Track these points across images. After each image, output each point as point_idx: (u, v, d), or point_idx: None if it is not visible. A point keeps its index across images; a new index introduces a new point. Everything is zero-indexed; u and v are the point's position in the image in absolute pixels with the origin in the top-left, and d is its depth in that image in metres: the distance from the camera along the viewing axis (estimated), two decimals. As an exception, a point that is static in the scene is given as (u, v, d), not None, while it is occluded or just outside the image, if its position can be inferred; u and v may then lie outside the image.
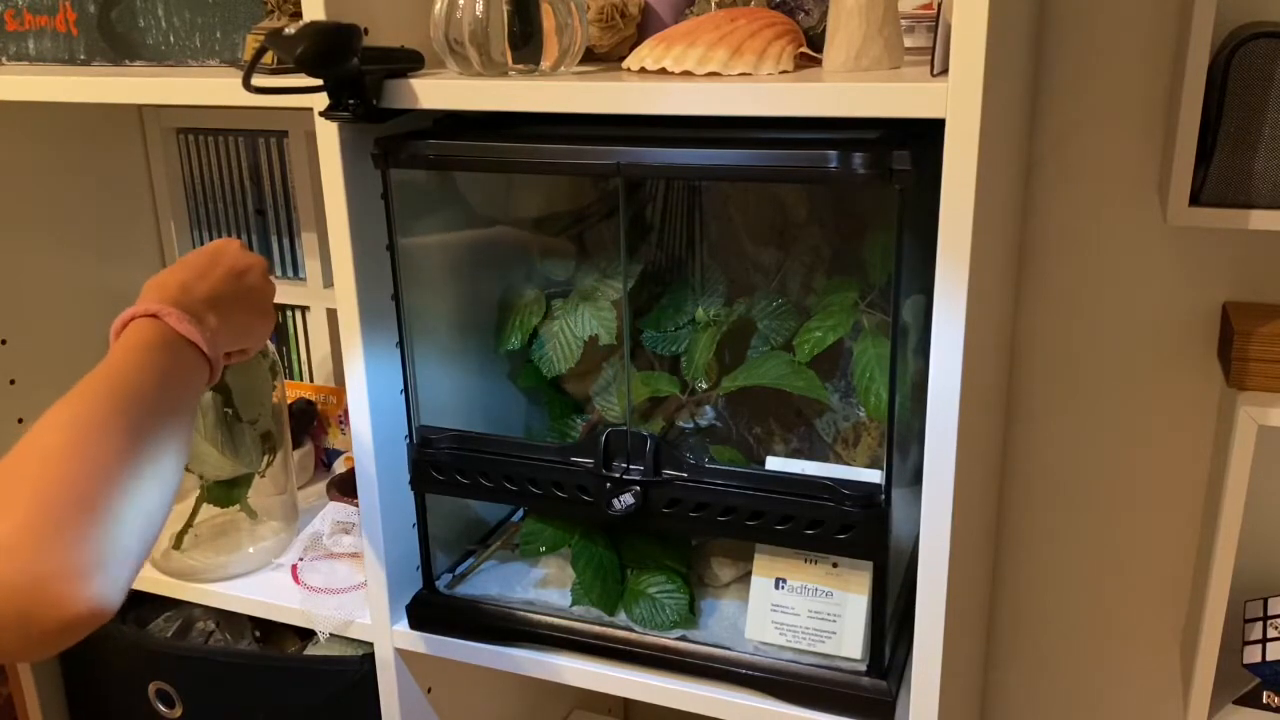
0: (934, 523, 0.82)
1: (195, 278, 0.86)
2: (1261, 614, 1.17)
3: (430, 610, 1.05)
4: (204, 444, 1.09)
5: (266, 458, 1.16)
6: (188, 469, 1.10)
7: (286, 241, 1.42)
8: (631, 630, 0.99)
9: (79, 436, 0.66)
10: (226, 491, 1.15)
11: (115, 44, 1.08)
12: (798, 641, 0.93)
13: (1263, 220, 1.01)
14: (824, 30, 0.84)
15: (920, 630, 0.85)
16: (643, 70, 0.85)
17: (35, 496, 0.62)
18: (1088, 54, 1.16)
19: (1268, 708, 1.13)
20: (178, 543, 1.17)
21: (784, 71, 0.84)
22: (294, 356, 1.47)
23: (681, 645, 0.97)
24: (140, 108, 1.41)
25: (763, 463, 0.93)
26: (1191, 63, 0.98)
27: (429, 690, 1.13)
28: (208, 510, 1.18)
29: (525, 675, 1.03)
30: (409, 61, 0.90)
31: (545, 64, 0.87)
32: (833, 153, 0.78)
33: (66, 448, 0.65)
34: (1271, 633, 1.15)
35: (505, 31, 0.86)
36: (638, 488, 0.92)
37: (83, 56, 1.10)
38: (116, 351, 0.76)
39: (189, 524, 1.17)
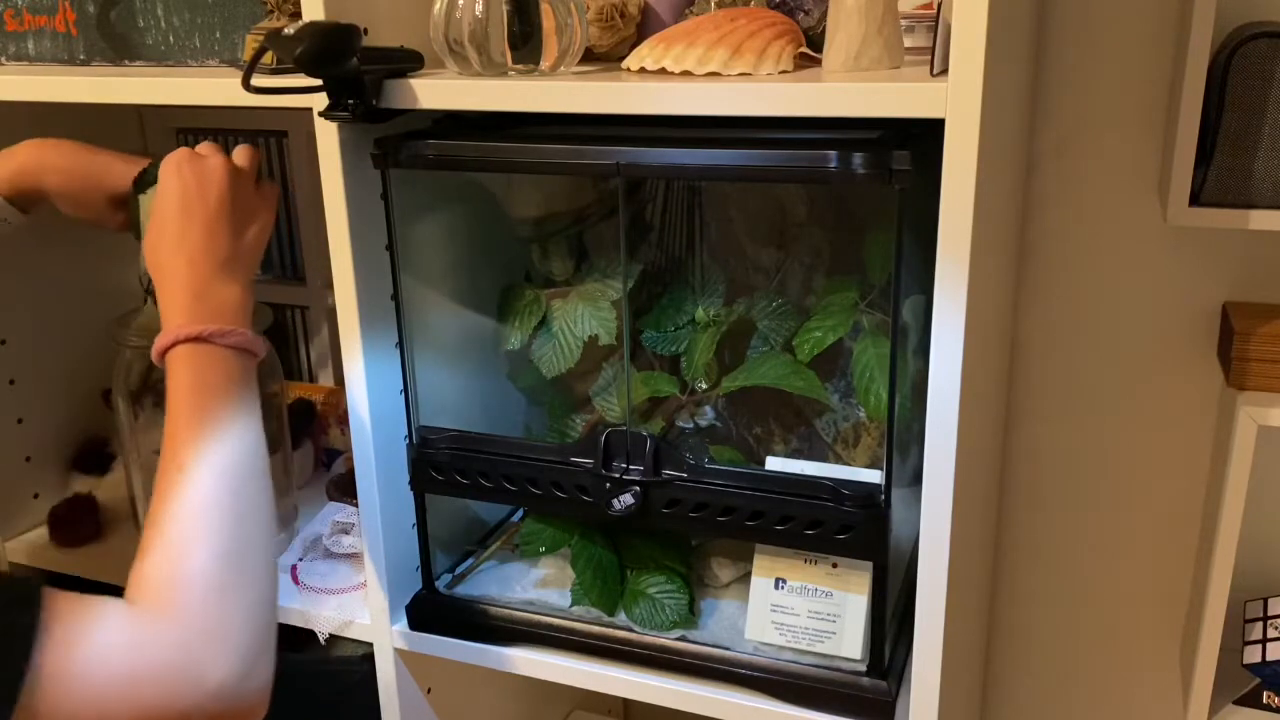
0: (934, 523, 0.82)
1: (202, 245, 0.84)
2: (1261, 614, 1.17)
3: (430, 610, 1.05)
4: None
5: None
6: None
7: (287, 241, 1.42)
8: (631, 630, 0.99)
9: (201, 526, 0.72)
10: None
11: (115, 44, 1.08)
12: (797, 642, 0.93)
13: (1263, 220, 1.01)
14: (824, 30, 0.84)
15: (920, 630, 0.85)
16: (642, 70, 0.85)
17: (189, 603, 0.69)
18: (1088, 54, 1.16)
19: (1268, 708, 1.13)
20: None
21: (784, 71, 0.84)
22: (294, 356, 1.47)
23: (681, 645, 0.97)
24: (140, 108, 1.41)
25: (762, 463, 0.93)
26: (1191, 63, 0.98)
27: (429, 690, 1.13)
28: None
29: (525, 675, 1.03)
30: (409, 61, 0.90)
31: (545, 64, 0.87)
32: (833, 153, 0.78)
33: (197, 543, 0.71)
34: (1271, 633, 1.15)
35: (505, 31, 0.86)
36: (637, 488, 0.92)
37: (82, 56, 1.10)
38: (183, 400, 0.77)
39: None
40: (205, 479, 0.73)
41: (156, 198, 0.87)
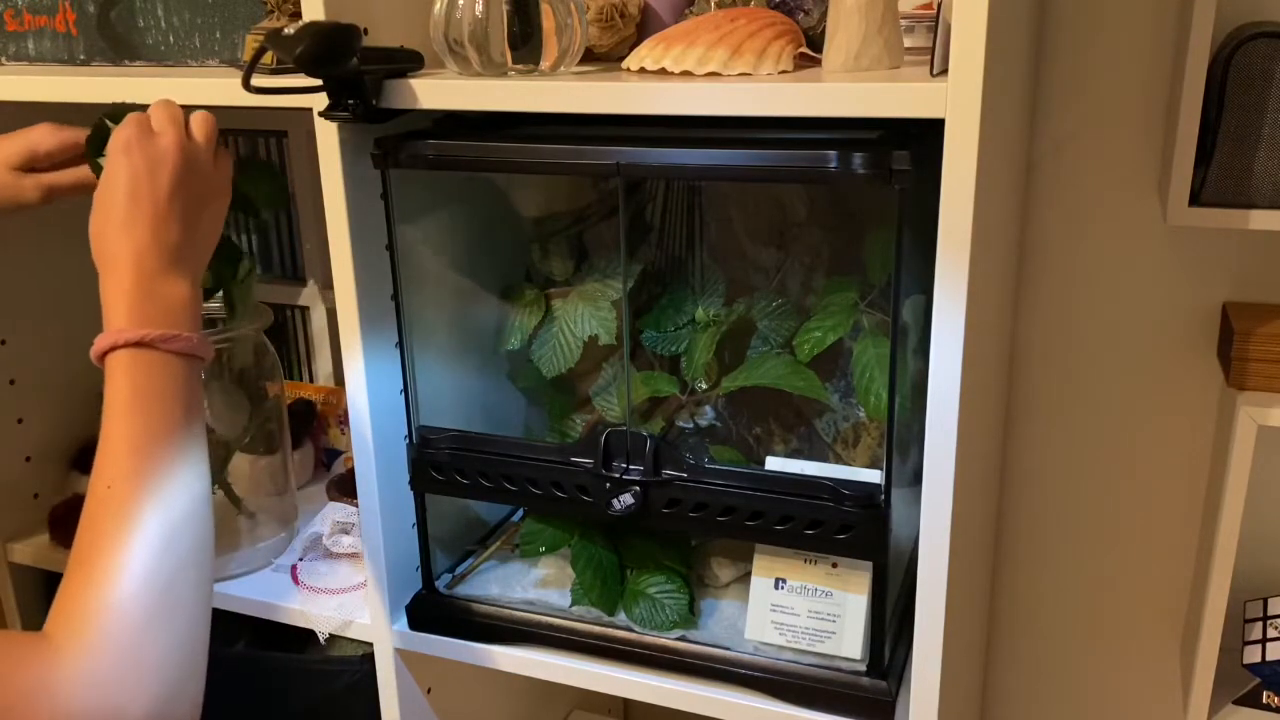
0: (934, 523, 0.82)
1: (150, 236, 0.77)
2: (1261, 614, 1.17)
3: (430, 610, 1.05)
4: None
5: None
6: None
7: (286, 241, 1.42)
8: (631, 630, 0.99)
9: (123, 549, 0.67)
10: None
11: (115, 44, 1.08)
12: (797, 641, 0.93)
13: (1263, 220, 1.01)
14: (824, 30, 0.84)
15: (920, 630, 0.85)
16: (642, 70, 0.85)
17: (101, 624, 0.65)
18: (1088, 54, 1.16)
19: (1268, 708, 1.13)
20: (177, 543, 1.17)
21: (784, 71, 0.84)
22: (294, 356, 1.47)
23: (681, 645, 0.97)
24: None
25: (762, 463, 0.93)
26: (1191, 63, 0.98)
27: (429, 690, 1.13)
28: (207, 510, 1.18)
29: (525, 675, 1.03)
30: (408, 61, 0.90)
31: (545, 64, 0.87)
32: (833, 153, 0.78)
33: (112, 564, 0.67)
34: (1271, 633, 1.15)
35: (505, 31, 0.86)
36: (637, 488, 0.92)
37: (82, 56, 1.10)
38: (120, 411, 0.72)
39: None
40: (135, 499, 0.68)
41: (103, 181, 0.80)
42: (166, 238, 0.78)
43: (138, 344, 0.74)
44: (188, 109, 0.85)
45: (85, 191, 0.92)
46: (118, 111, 0.88)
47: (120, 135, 0.80)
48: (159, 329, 0.74)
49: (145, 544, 0.67)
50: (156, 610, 0.66)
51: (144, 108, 0.84)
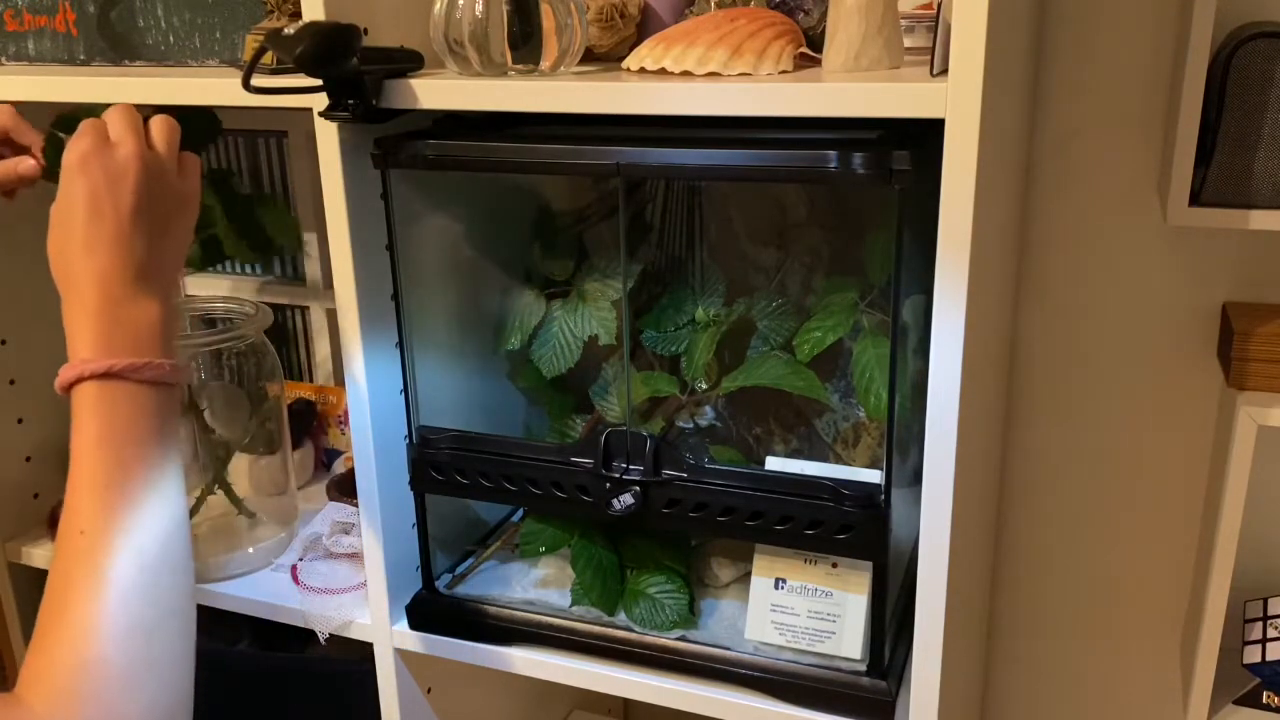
0: (934, 523, 0.82)
1: (113, 256, 0.72)
2: (1261, 614, 1.17)
3: (430, 610, 1.05)
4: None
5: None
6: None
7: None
8: (631, 630, 0.99)
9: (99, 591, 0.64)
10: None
11: (115, 44, 1.08)
12: (797, 641, 0.93)
13: (1263, 220, 1.01)
14: (824, 30, 0.84)
15: (920, 630, 0.85)
16: (642, 70, 0.85)
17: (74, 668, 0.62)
18: (1088, 54, 1.16)
19: (1268, 708, 1.13)
20: (177, 543, 1.17)
21: (784, 71, 0.84)
22: (294, 356, 1.47)
23: (681, 645, 0.97)
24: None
25: (762, 463, 0.93)
26: (1191, 63, 0.98)
27: (429, 690, 1.13)
28: (206, 511, 1.18)
29: (525, 675, 1.03)
30: (408, 61, 0.90)
31: (545, 64, 0.87)
32: (832, 153, 0.78)
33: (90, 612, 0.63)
34: (1271, 633, 1.15)
35: (505, 31, 0.86)
36: (637, 488, 0.92)
37: (82, 56, 1.10)
38: (88, 449, 0.67)
39: (189, 524, 1.17)
40: (109, 546, 0.64)
41: (59, 198, 0.74)
42: (132, 257, 0.72)
43: (105, 375, 0.68)
44: (180, 110, 0.84)
45: (25, 184, 0.89)
46: (70, 119, 0.82)
47: (76, 148, 0.74)
48: (127, 357, 0.69)
49: (122, 594, 0.64)
50: (138, 664, 0.63)
51: (100, 109, 0.80)
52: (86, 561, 0.64)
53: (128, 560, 0.65)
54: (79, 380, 0.69)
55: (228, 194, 1.15)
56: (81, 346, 0.70)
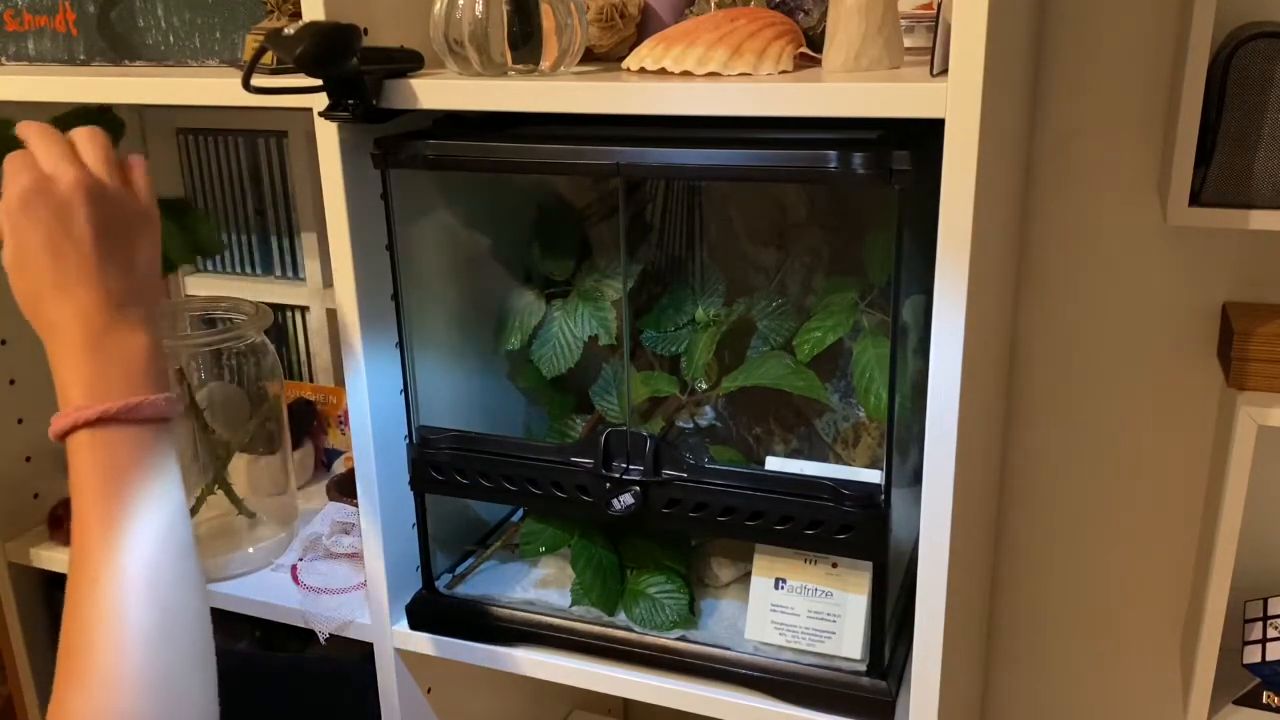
0: (934, 523, 0.82)
1: (88, 292, 0.70)
2: (1261, 614, 1.17)
3: (430, 610, 1.05)
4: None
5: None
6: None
7: (286, 241, 1.42)
8: (631, 630, 0.99)
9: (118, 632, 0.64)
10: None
11: (115, 44, 1.08)
12: (797, 641, 0.93)
13: (1263, 220, 1.01)
14: (824, 30, 0.84)
15: (920, 630, 0.85)
16: (642, 70, 0.85)
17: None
18: (1088, 54, 1.16)
19: (1268, 708, 1.13)
20: (177, 543, 1.17)
21: (784, 71, 0.84)
22: (294, 356, 1.47)
23: (681, 645, 0.97)
24: (140, 108, 1.41)
25: (762, 463, 0.93)
26: (1191, 63, 0.98)
27: (429, 690, 1.13)
28: (206, 511, 1.18)
29: (525, 675, 1.03)
30: (408, 61, 0.90)
31: (545, 64, 0.87)
32: (832, 153, 0.78)
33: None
34: (1271, 633, 1.15)
35: (505, 31, 0.86)
36: (637, 488, 0.92)
37: (82, 56, 1.10)
38: (89, 496, 0.67)
39: (189, 524, 1.17)
40: (120, 591, 0.64)
41: (11, 248, 0.71)
42: (106, 287, 0.70)
43: (99, 421, 0.67)
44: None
45: None
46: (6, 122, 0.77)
47: (12, 191, 0.70)
48: (120, 398, 0.68)
49: (140, 638, 0.63)
50: (160, 709, 0.63)
51: (9, 125, 0.76)
52: (100, 609, 0.63)
53: (142, 602, 0.64)
54: (74, 429, 0.67)
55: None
56: (73, 394, 0.68)
